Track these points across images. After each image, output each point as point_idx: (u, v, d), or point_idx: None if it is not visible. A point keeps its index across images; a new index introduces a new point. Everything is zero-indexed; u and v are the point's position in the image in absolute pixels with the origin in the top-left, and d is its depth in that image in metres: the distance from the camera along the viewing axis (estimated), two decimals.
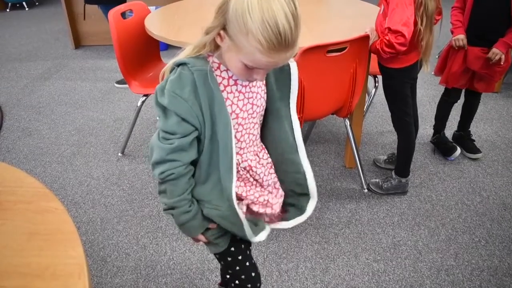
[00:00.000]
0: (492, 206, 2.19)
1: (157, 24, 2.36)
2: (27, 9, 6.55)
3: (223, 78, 0.98)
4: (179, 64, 0.96)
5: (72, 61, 3.79)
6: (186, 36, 2.09)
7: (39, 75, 3.99)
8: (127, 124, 3.02)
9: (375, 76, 2.75)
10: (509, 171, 2.47)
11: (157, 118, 1.11)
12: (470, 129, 2.64)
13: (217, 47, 0.93)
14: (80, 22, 4.63)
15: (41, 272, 0.75)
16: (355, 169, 2.46)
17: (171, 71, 0.98)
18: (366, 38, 1.87)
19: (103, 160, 2.64)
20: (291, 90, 1.10)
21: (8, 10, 6.54)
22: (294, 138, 1.11)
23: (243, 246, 1.21)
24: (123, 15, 2.41)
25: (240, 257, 1.20)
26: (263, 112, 1.09)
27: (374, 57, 2.11)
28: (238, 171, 1.08)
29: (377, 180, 2.32)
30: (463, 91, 2.50)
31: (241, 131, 1.05)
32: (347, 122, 2.22)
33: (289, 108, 1.11)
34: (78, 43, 4.71)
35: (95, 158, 2.67)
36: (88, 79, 3.87)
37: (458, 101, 2.52)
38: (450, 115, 2.61)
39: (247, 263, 1.22)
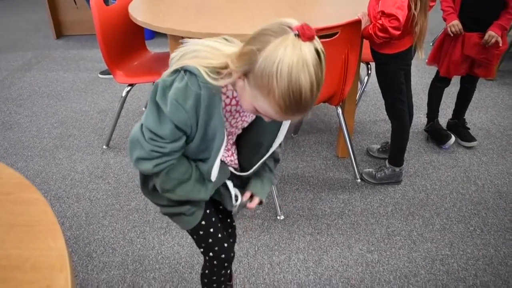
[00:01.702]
0: (487, 195, 2.22)
1: (141, 10, 2.34)
2: None
3: (227, 97, 1.00)
4: (186, 71, 0.94)
5: (53, 52, 3.75)
6: (172, 22, 2.07)
7: (19, 66, 3.93)
8: (112, 115, 2.99)
9: (367, 63, 2.75)
10: (504, 159, 2.50)
11: (143, 109, 1.11)
12: (465, 117, 2.66)
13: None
14: (62, 12, 4.57)
15: (21, 264, 0.74)
16: (348, 158, 2.47)
17: (175, 72, 0.96)
18: (358, 23, 1.87)
19: (87, 153, 2.61)
20: (281, 125, 1.13)
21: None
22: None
23: (213, 219, 1.26)
24: (106, 1, 2.38)
25: (211, 230, 1.25)
26: None
27: (366, 44, 2.11)
28: None
29: (370, 169, 2.33)
30: (459, 77, 2.51)
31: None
32: (339, 110, 2.23)
33: (274, 134, 1.14)
34: (59, 33, 4.65)
35: (79, 151, 2.64)
36: (71, 69, 3.83)
37: (454, 88, 2.53)
38: (445, 103, 2.62)
39: (219, 235, 1.27)
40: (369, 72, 2.78)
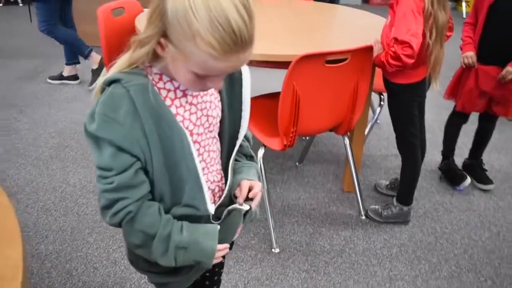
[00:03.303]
0: (502, 243, 2.14)
1: None
2: (21, 4, 6.64)
3: (169, 91, 0.89)
4: (110, 83, 0.86)
5: (60, 60, 3.82)
6: None
7: (25, 73, 4.01)
8: None
9: (380, 94, 2.74)
10: None
11: None
12: (482, 158, 2.61)
13: (156, 56, 0.83)
14: (75, 20, 4.66)
15: None
16: (353, 193, 2.42)
17: (102, 92, 0.87)
18: (369, 49, 1.86)
19: (81, 166, 2.62)
20: (242, 102, 1.00)
21: (1, 4, 6.64)
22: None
23: None
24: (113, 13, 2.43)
25: None
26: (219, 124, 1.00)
27: (380, 73, 2.10)
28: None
29: (377, 206, 2.28)
30: (478, 114, 2.47)
31: (199, 149, 0.95)
32: (347, 141, 2.20)
33: (238, 120, 1.01)
34: None
35: (74, 163, 2.65)
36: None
37: (472, 127, 2.49)
38: (461, 142, 2.58)
39: None
40: (382, 103, 2.76)
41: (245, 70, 0.99)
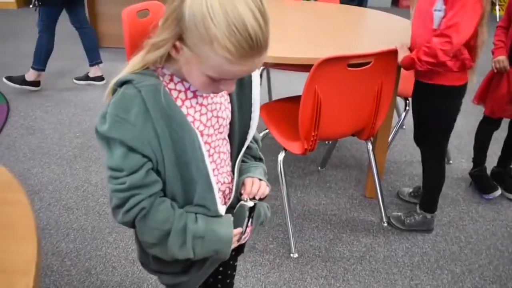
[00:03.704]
0: None
1: None
2: None
3: (179, 91, 0.90)
4: (122, 84, 0.87)
5: (87, 62, 3.91)
6: None
7: (51, 74, 4.11)
8: None
9: (406, 98, 2.70)
10: None
11: None
12: (511, 166, 2.54)
13: (168, 58, 0.85)
14: (101, 23, 4.78)
15: None
16: (376, 199, 2.39)
17: (113, 94, 0.88)
18: (394, 53, 1.84)
19: (104, 166, 2.66)
20: (252, 104, 1.01)
21: (31, 6, 6.82)
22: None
23: None
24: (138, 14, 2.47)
25: None
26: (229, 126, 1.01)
27: (404, 78, 2.08)
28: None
29: (399, 213, 2.24)
30: (508, 121, 2.42)
31: (209, 151, 0.96)
32: (370, 146, 2.18)
33: (248, 122, 1.02)
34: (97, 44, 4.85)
35: (96, 163, 2.70)
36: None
37: (503, 133, 2.44)
38: (491, 149, 2.52)
39: None
40: (407, 108, 2.72)
41: (255, 74, 1.00)
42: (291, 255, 2.03)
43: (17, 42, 5.11)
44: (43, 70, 3.72)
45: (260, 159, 1.14)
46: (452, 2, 1.69)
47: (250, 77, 1.00)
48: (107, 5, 4.68)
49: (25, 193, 0.95)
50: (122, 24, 2.42)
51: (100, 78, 3.90)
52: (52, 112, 3.35)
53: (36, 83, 3.74)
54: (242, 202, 1.01)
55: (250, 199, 1.01)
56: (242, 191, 1.03)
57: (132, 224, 0.93)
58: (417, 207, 2.20)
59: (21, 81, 3.70)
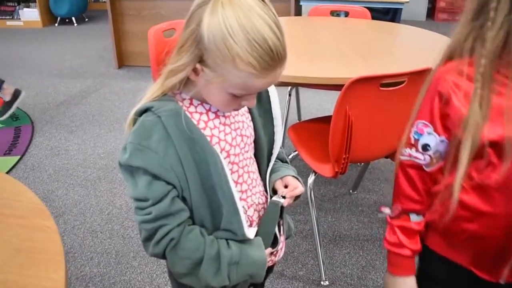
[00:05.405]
0: None
1: None
2: (75, 24, 7.07)
3: (201, 114, 0.94)
4: (142, 113, 0.91)
5: (113, 81, 4.02)
6: None
7: (77, 93, 4.24)
8: None
9: None
10: None
11: None
12: None
13: (185, 82, 0.89)
14: (126, 42, 4.92)
15: None
16: None
17: (134, 124, 0.91)
18: (428, 72, 1.83)
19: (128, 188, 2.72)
20: (274, 118, 1.06)
21: (56, 24, 7.09)
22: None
23: None
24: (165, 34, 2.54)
25: None
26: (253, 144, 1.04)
27: None
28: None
29: None
30: None
31: (238, 171, 0.99)
32: None
33: (272, 137, 1.06)
34: (121, 63, 5.00)
35: (121, 185, 2.76)
36: (127, 100, 4.07)
37: None
38: None
39: None
40: None
41: (270, 87, 1.04)
42: (322, 282, 2.02)
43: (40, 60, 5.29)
44: (3, 81, 3.55)
45: (286, 162, 1.16)
46: None
47: (267, 92, 1.04)
48: (131, 24, 4.82)
49: (53, 219, 0.99)
50: (147, 42, 2.51)
51: (15, 94, 3.60)
52: (76, 133, 3.45)
53: (16, 94, 3.58)
54: (274, 198, 1.02)
55: (282, 197, 1.02)
56: (277, 186, 1.05)
57: (163, 256, 0.95)
58: None
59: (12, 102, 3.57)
